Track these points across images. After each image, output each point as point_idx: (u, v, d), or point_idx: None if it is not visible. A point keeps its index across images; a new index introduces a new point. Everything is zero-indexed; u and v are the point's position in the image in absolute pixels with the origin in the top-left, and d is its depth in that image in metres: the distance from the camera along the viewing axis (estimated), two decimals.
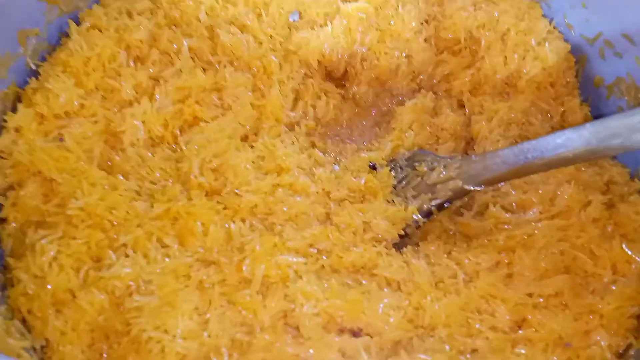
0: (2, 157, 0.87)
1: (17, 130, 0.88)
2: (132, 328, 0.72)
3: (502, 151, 0.82)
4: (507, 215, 0.89)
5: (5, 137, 0.87)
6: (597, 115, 1.07)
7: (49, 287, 0.75)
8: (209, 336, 0.72)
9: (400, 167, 0.97)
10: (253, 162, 0.94)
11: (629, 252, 0.80)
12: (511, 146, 0.81)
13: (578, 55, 1.09)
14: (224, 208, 0.87)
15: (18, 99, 0.93)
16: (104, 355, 0.73)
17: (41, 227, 0.82)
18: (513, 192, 0.92)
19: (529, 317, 0.76)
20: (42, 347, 0.74)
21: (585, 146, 0.71)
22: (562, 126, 1.05)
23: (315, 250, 0.83)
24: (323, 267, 0.80)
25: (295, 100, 1.08)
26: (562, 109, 1.06)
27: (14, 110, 0.90)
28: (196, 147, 0.93)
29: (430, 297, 0.77)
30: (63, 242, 0.79)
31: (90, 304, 0.74)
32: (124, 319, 0.73)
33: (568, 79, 1.08)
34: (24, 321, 0.75)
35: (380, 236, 0.86)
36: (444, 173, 0.88)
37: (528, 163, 0.77)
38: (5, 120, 0.88)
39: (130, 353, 0.71)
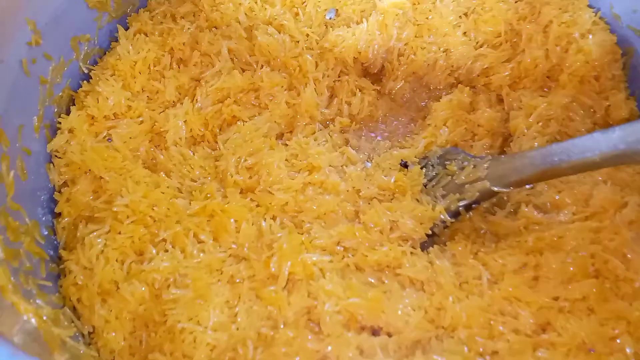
0: (57, 157, 0.95)
1: (70, 131, 0.96)
2: (168, 319, 0.78)
3: (530, 153, 0.80)
4: (539, 215, 0.88)
5: (59, 137, 0.95)
6: None
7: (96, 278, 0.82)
8: (237, 329, 0.77)
9: (432, 165, 0.97)
10: (286, 160, 0.97)
11: None
12: (539, 148, 0.80)
13: (625, 47, 1.04)
14: (257, 205, 0.91)
15: (72, 101, 1.00)
16: (143, 343, 0.79)
17: (91, 221, 0.89)
18: (547, 191, 0.90)
19: (553, 321, 0.75)
20: (90, 333, 0.81)
21: (613, 150, 0.69)
22: (605, 121, 1.02)
23: (342, 248, 0.86)
24: (348, 265, 0.83)
25: (331, 97, 1.10)
26: (606, 104, 1.02)
27: (68, 112, 0.98)
28: (233, 146, 0.97)
29: (452, 297, 0.78)
30: (109, 236, 0.86)
31: (132, 294, 0.80)
32: (162, 309, 0.79)
33: (614, 72, 1.04)
34: (74, 309, 0.82)
35: (407, 235, 0.88)
36: (473, 173, 0.88)
37: (555, 166, 0.76)
38: (59, 122, 0.96)
39: (166, 342, 0.76)
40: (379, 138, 1.10)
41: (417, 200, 0.92)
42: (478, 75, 1.11)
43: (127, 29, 1.07)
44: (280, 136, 1.04)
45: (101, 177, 0.92)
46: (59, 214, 0.92)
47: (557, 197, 0.88)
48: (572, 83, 1.02)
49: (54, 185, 0.94)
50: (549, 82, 1.06)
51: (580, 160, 0.72)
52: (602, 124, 1.01)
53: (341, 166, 0.99)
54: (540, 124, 0.99)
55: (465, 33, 1.09)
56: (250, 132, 1.00)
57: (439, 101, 1.08)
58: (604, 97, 1.02)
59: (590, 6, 1.06)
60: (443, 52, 1.10)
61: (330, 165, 0.98)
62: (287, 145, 1.00)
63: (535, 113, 1.00)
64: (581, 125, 0.99)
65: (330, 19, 1.11)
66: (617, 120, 1.01)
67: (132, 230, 0.86)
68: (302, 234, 0.86)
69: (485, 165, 0.87)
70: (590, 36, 1.03)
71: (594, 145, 0.71)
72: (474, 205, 0.89)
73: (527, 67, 1.05)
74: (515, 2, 1.08)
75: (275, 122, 1.03)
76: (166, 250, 0.85)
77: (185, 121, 1.01)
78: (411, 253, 0.84)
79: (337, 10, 1.12)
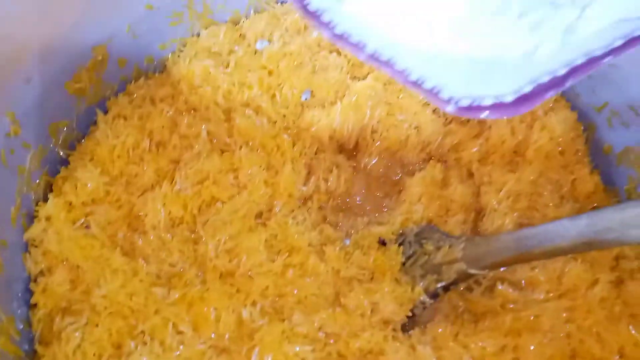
0: (34, 246, 0.94)
1: (47, 219, 0.95)
2: None
3: (504, 236, 0.83)
4: (514, 293, 0.90)
5: (36, 226, 0.94)
6: (608, 183, 1.08)
7: None
8: None
9: (410, 243, 1.00)
10: (266, 241, 0.98)
11: (637, 335, 0.80)
12: (512, 232, 0.83)
13: (587, 123, 1.10)
14: (237, 291, 0.91)
15: (50, 188, 1.00)
16: None
17: (67, 313, 0.88)
18: (522, 268, 0.93)
19: None
20: None
21: (581, 238, 0.72)
22: (572, 195, 1.06)
23: (323, 335, 0.86)
24: (330, 354, 0.83)
25: (308, 174, 1.12)
26: (572, 177, 1.07)
27: (46, 199, 0.97)
28: (212, 229, 0.98)
29: None
30: (87, 329, 0.85)
31: None
32: None
33: (577, 147, 1.09)
34: None
35: (388, 318, 0.88)
36: (449, 254, 0.90)
37: (528, 251, 0.78)
38: (37, 210, 0.95)
39: None
40: (358, 213, 1.12)
41: (397, 280, 0.93)
42: (449, 151, 1.15)
43: (106, 113, 1.09)
44: (259, 215, 1.05)
45: (78, 266, 0.91)
46: (35, 305, 0.90)
47: (531, 275, 0.91)
48: (538, 158, 1.07)
49: (29, 275, 0.93)
50: (517, 157, 1.10)
51: (552, 247, 0.75)
52: (570, 198, 1.05)
53: (320, 246, 1.00)
54: (510, 199, 1.03)
55: (434, 111, 1.14)
56: (229, 213, 1.01)
57: (413, 176, 1.11)
58: (569, 171, 1.07)
59: None
60: (414, 129, 1.14)
61: (309, 245, 0.99)
62: (266, 225, 1.01)
63: (505, 189, 1.04)
64: (549, 200, 1.03)
65: (305, 99, 1.15)
66: (583, 193, 1.06)
67: (110, 322, 0.85)
68: (284, 320, 0.86)
69: (461, 247, 0.90)
70: (554, 113, 1.08)
71: (564, 233, 0.74)
72: (451, 287, 0.91)
73: (495, 143, 1.10)
74: None
75: (254, 201, 1.04)
76: (145, 344, 0.84)
77: (164, 204, 1.01)
78: (393, 337, 0.84)
79: (312, 91, 1.16)
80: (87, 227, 0.96)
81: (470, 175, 1.12)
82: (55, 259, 0.92)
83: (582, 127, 1.10)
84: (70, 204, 0.98)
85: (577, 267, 0.89)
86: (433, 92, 0.56)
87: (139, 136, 1.05)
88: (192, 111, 1.12)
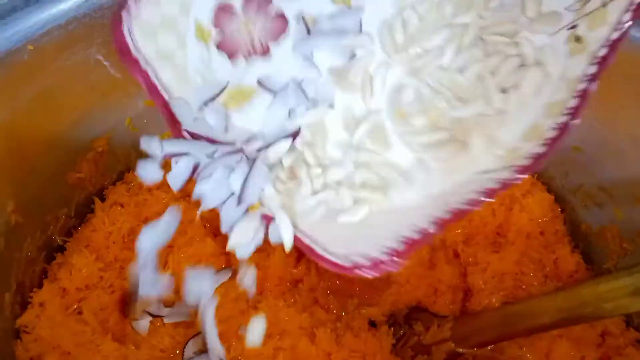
0: (25, 332, 0.94)
1: (41, 305, 0.96)
2: None
3: (489, 314, 0.86)
4: None
5: (30, 312, 0.95)
6: (589, 261, 1.11)
7: None
8: None
9: (399, 324, 1.01)
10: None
11: None
12: (497, 310, 0.85)
13: (564, 204, 1.15)
14: None
15: (45, 274, 1.02)
16: None
17: None
18: (510, 347, 0.94)
19: None
20: None
21: (559, 314, 0.75)
22: (555, 274, 1.09)
23: None
24: None
25: (298, 257, 1.15)
26: (554, 257, 1.10)
27: (40, 285, 0.99)
28: None
29: None
30: None
31: None
32: None
33: (557, 228, 1.14)
34: None
35: None
36: (438, 334, 0.92)
37: (512, 328, 0.80)
38: (31, 297, 0.97)
39: None
40: (348, 295, 1.14)
41: None
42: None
43: (103, 201, 1.13)
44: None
45: (69, 353, 0.92)
46: None
47: (519, 354, 0.92)
48: (520, 239, 1.11)
49: None
50: (499, 238, 1.14)
51: (533, 324, 0.77)
52: (553, 277, 1.08)
53: (311, 328, 1.01)
54: (495, 279, 1.05)
55: None
56: (220, 296, 1.03)
57: None
58: (551, 251, 1.11)
59: None
60: None
61: (300, 328, 0.99)
62: (257, 308, 1.02)
63: (490, 269, 1.07)
64: (533, 279, 1.05)
65: None
66: (566, 272, 1.09)
67: None
68: None
69: (449, 326, 0.91)
70: (530, 196, 1.14)
71: (543, 310, 0.77)
72: None
73: (477, 225, 1.14)
74: None
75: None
76: None
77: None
78: None
79: None
80: (80, 313, 0.97)
81: (456, 255, 1.15)
82: (47, 346, 0.93)
83: (559, 209, 1.15)
84: (64, 290, 0.99)
85: (563, 345, 0.91)
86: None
87: (135, 222, 1.09)
88: (187, 197, 1.16)
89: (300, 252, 1.14)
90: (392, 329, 1.00)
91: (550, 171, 1.16)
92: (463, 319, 0.91)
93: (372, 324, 1.02)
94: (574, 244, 1.13)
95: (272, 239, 0.71)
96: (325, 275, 1.14)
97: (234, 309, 1.00)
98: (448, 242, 1.16)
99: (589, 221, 1.12)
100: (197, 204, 1.14)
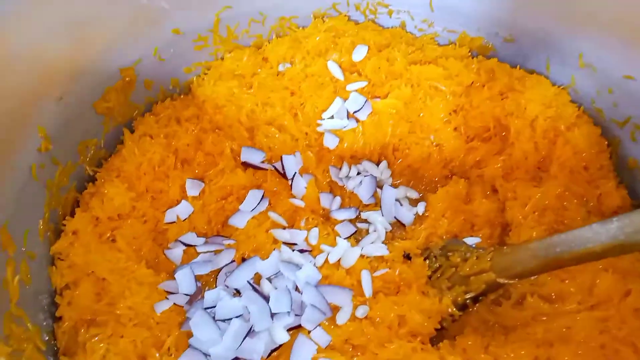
0: (60, 259, 0.94)
1: (74, 233, 0.96)
2: None
3: (533, 244, 0.82)
4: (545, 305, 0.88)
5: (63, 239, 0.95)
6: (635, 196, 1.06)
7: None
8: None
9: (435, 257, 0.98)
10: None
11: None
12: (541, 239, 0.81)
13: (610, 138, 1.09)
14: None
15: (77, 203, 1.02)
16: None
17: (92, 325, 0.88)
18: (551, 281, 0.91)
19: None
20: None
21: (612, 241, 0.71)
22: (599, 210, 1.04)
23: (351, 347, 0.84)
24: None
25: (331, 191, 1.13)
26: (598, 192, 1.05)
27: (72, 214, 0.99)
28: (235, 243, 0.98)
29: None
30: (112, 340, 0.84)
31: None
32: None
33: (602, 162, 1.08)
34: None
35: (415, 330, 0.86)
36: (477, 265, 0.89)
37: (558, 257, 0.77)
38: (64, 225, 0.97)
39: None
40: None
41: (423, 292, 0.92)
42: (471, 167, 1.15)
43: (132, 132, 1.11)
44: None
45: (104, 279, 0.92)
46: (60, 318, 0.90)
47: (561, 287, 0.89)
48: (562, 173, 1.06)
49: (55, 288, 0.93)
50: (541, 173, 1.10)
51: (582, 252, 0.74)
52: (596, 213, 1.03)
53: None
54: (536, 213, 1.01)
55: (455, 128, 1.14)
56: (253, 227, 1.01)
57: (436, 193, 1.10)
58: (594, 186, 1.06)
59: (572, 101, 1.12)
60: (436, 146, 1.15)
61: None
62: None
63: (531, 203, 1.02)
64: (576, 214, 1.01)
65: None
66: (610, 208, 1.04)
67: (135, 333, 0.85)
68: (309, 332, 0.85)
69: (489, 257, 0.88)
70: (577, 129, 1.08)
71: (594, 237, 0.73)
72: (480, 298, 0.89)
73: (518, 159, 1.09)
74: (502, 99, 1.14)
75: (279, 215, 1.05)
76: (170, 354, 0.83)
77: (189, 219, 1.02)
78: (421, 349, 0.82)
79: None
80: (113, 240, 0.97)
81: (494, 191, 1.11)
82: (81, 272, 0.93)
83: (605, 142, 1.09)
84: (97, 218, 0.99)
85: (608, 278, 0.87)
86: None
87: (165, 154, 1.07)
88: (217, 130, 1.14)
89: (332, 187, 1.13)
90: (427, 261, 0.97)
91: (597, 102, 1.10)
92: (504, 250, 0.87)
93: (407, 257, 1.00)
94: (620, 179, 1.08)
95: None
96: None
97: (267, 239, 0.99)
98: (486, 177, 1.12)
99: (637, 155, 1.06)
100: (228, 136, 1.13)
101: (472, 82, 1.16)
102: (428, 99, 1.13)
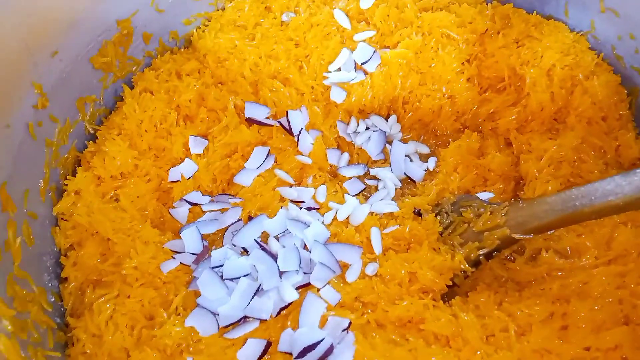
0: (63, 219, 0.93)
1: (76, 192, 0.94)
2: None
3: (550, 198, 0.79)
4: (560, 261, 0.86)
5: (66, 200, 0.93)
6: None
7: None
8: None
9: (447, 213, 0.95)
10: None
11: None
12: (559, 192, 0.78)
13: (630, 87, 1.05)
14: None
15: (78, 162, 0.99)
16: None
17: (99, 286, 0.86)
18: (567, 236, 0.88)
19: None
20: None
21: (636, 193, 0.68)
22: (616, 162, 1.01)
23: (361, 304, 0.82)
24: (369, 322, 0.80)
25: (338, 147, 1.09)
26: (616, 144, 1.01)
27: (74, 173, 0.96)
28: (242, 202, 0.96)
29: (480, 352, 0.74)
30: (119, 300, 0.83)
31: None
32: None
33: (621, 112, 1.04)
34: None
35: (427, 287, 0.85)
36: (491, 220, 0.86)
37: (577, 211, 0.74)
38: (65, 184, 0.94)
39: None
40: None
41: (435, 249, 0.89)
42: (484, 120, 1.11)
43: (132, 88, 1.07)
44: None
45: (109, 239, 0.90)
46: (65, 279, 0.89)
47: (577, 241, 0.86)
48: (580, 124, 1.02)
49: (59, 249, 0.92)
50: (557, 125, 1.05)
51: (603, 205, 0.71)
52: (614, 164, 1.00)
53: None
54: (551, 166, 0.98)
55: (468, 79, 1.10)
56: (259, 185, 0.99)
57: (447, 147, 1.07)
58: (613, 137, 1.02)
59: (591, 49, 1.07)
60: (448, 98, 1.10)
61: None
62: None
63: (546, 156, 0.99)
64: (593, 167, 0.97)
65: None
66: (629, 159, 1.00)
67: (141, 293, 0.84)
68: (318, 290, 0.83)
69: (503, 212, 0.85)
70: (595, 77, 1.03)
71: (617, 189, 0.70)
72: (494, 253, 0.87)
73: (534, 110, 1.05)
74: (517, 47, 1.08)
75: (286, 173, 1.02)
76: (178, 314, 0.81)
77: (193, 177, 0.99)
78: (433, 306, 0.81)
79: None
80: (117, 200, 0.95)
81: (508, 144, 1.07)
82: (85, 232, 0.91)
83: (625, 91, 1.04)
84: (99, 177, 0.96)
85: (627, 232, 0.84)
86: None
87: (167, 110, 1.03)
88: (219, 84, 1.09)
89: (339, 144, 1.10)
90: (438, 217, 0.95)
91: (618, 49, 1.04)
92: (519, 204, 0.84)
93: (418, 214, 0.97)
94: (639, 130, 1.04)
95: None
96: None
97: (274, 197, 0.96)
98: (500, 129, 1.08)
99: None
100: (231, 91, 1.09)
101: (486, 30, 1.11)
102: (440, 48, 1.08)
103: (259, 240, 0.88)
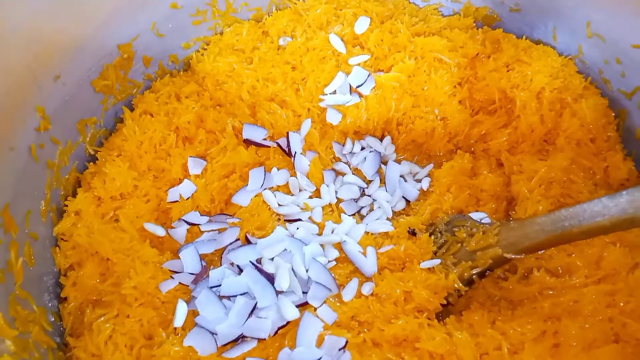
0: (63, 240, 0.94)
1: (76, 213, 0.96)
2: None
3: (540, 218, 0.81)
4: (551, 279, 0.87)
5: (66, 220, 0.94)
6: None
7: None
8: None
9: (440, 232, 0.98)
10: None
11: None
12: (549, 213, 0.80)
13: (618, 110, 1.08)
14: None
15: (78, 183, 1.01)
16: None
17: (98, 305, 0.87)
18: (558, 255, 0.90)
19: None
20: None
21: (622, 215, 0.70)
22: (605, 182, 1.03)
23: (357, 324, 0.84)
24: (365, 341, 0.81)
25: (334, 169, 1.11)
26: (605, 165, 1.04)
27: (74, 194, 0.98)
28: (240, 221, 0.98)
29: None
30: (118, 320, 0.84)
31: None
32: None
33: (609, 134, 1.07)
34: None
35: (422, 306, 0.86)
36: (484, 240, 0.88)
37: (566, 231, 0.76)
38: (66, 205, 0.96)
39: None
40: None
41: (429, 269, 0.91)
42: (476, 141, 1.13)
43: (132, 110, 1.09)
44: None
45: (108, 259, 0.91)
46: (65, 299, 0.90)
47: (568, 261, 0.88)
48: (569, 146, 1.05)
49: (59, 270, 0.93)
50: (547, 146, 1.08)
51: (591, 226, 0.73)
52: (603, 185, 1.02)
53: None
54: (542, 187, 1.00)
55: (460, 102, 1.13)
56: (256, 205, 1.01)
57: (441, 167, 1.09)
58: (601, 158, 1.05)
59: (579, 72, 1.10)
60: (440, 120, 1.13)
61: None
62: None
63: (537, 177, 1.01)
64: (583, 187, 1.00)
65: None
66: (617, 180, 1.03)
67: (140, 313, 0.85)
68: (315, 310, 0.84)
69: (495, 232, 0.88)
70: (584, 100, 1.06)
71: (604, 211, 0.72)
72: (487, 272, 0.89)
73: (524, 132, 1.08)
74: (508, 71, 1.12)
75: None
76: (176, 334, 0.83)
77: (192, 198, 1.01)
78: (428, 325, 0.82)
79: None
80: (116, 220, 0.96)
81: (500, 164, 1.10)
82: (85, 252, 0.92)
83: (612, 114, 1.08)
84: (99, 198, 0.98)
85: (616, 252, 0.86)
86: None
87: (166, 132, 1.05)
88: (218, 107, 1.12)
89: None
90: (432, 237, 0.97)
91: (605, 73, 1.08)
92: (511, 225, 0.87)
93: (412, 233, 0.99)
94: (627, 151, 1.07)
95: None
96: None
97: (271, 217, 0.98)
98: (491, 150, 1.11)
99: None
100: (229, 113, 1.11)
101: (477, 54, 1.14)
102: (432, 71, 1.11)
103: (253, 260, 0.89)
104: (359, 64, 1.14)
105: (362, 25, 1.16)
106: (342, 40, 1.16)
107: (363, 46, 1.17)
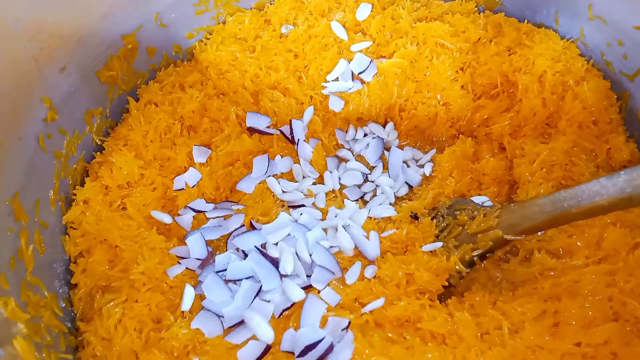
0: (72, 228, 0.96)
1: (85, 202, 0.98)
2: None
3: (540, 200, 0.82)
4: (552, 260, 0.88)
5: (75, 209, 0.97)
6: None
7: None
8: None
9: (442, 216, 0.99)
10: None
11: None
12: (548, 195, 0.81)
13: (620, 92, 1.08)
14: None
15: (86, 173, 1.03)
16: None
17: (107, 291, 0.90)
18: (559, 236, 0.91)
19: None
20: None
21: (620, 194, 0.71)
22: (607, 164, 1.04)
23: (360, 305, 0.85)
24: (367, 321, 0.83)
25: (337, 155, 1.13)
26: (607, 147, 1.04)
27: (82, 183, 1.00)
28: (245, 208, 0.99)
29: (474, 349, 0.77)
30: (127, 305, 0.86)
31: None
32: None
33: (611, 116, 1.07)
34: None
35: (423, 288, 0.88)
36: (484, 222, 0.89)
37: (565, 211, 0.77)
38: (74, 194, 0.98)
39: None
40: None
41: (431, 251, 0.92)
42: (478, 126, 1.14)
43: (137, 100, 1.11)
44: None
45: (117, 246, 0.93)
46: (75, 285, 0.93)
47: (568, 242, 0.89)
48: (571, 129, 1.05)
49: (69, 257, 0.95)
50: (549, 129, 1.09)
51: (590, 206, 0.74)
52: (605, 167, 1.03)
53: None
54: (544, 170, 1.01)
55: (463, 86, 1.13)
56: (261, 192, 1.02)
57: (443, 152, 1.10)
58: (604, 140, 1.05)
59: (581, 55, 1.10)
60: (443, 105, 1.13)
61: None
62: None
63: (539, 160, 1.02)
64: (585, 170, 1.01)
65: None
66: (619, 162, 1.03)
67: (149, 297, 0.87)
68: (319, 292, 0.86)
69: (496, 214, 0.88)
70: (586, 83, 1.06)
71: (602, 190, 0.73)
72: (488, 255, 0.90)
73: (526, 115, 1.08)
74: (509, 55, 1.12)
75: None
76: (184, 317, 0.85)
77: (197, 186, 1.03)
78: (430, 306, 0.84)
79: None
80: (124, 208, 0.98)
81: (502, 149, 1.10)
82: (94, 240, 0.94)
83: (615, 96, 1.08)
84: (107, 187, 1.00)
85: (616, 232, 0.87)
86: None
87: (171, 121, 1.07)
88: (221, 95, 1.13)
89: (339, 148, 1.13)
90: (434, 220, 0.98)
91: (607, 55, 1.08)
92: (511, 207, 0.87)
93: (414, 217, 1.00)
94: (629, 133, 1.07)
95: None
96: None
97: (275, 204, 1.00)
98: (493, 135, 1.11)
99: None
100: (232, 101, 1.13)
101: (479, 38, 1.14)
102: (434, 57, 1.12)
103: (258, 245, 0.91)
104: (360, 51, 1.14)
105: (363, 11, 1.17)
106: (343, 27, 1.17)
107: (365, 33, 1.18)
